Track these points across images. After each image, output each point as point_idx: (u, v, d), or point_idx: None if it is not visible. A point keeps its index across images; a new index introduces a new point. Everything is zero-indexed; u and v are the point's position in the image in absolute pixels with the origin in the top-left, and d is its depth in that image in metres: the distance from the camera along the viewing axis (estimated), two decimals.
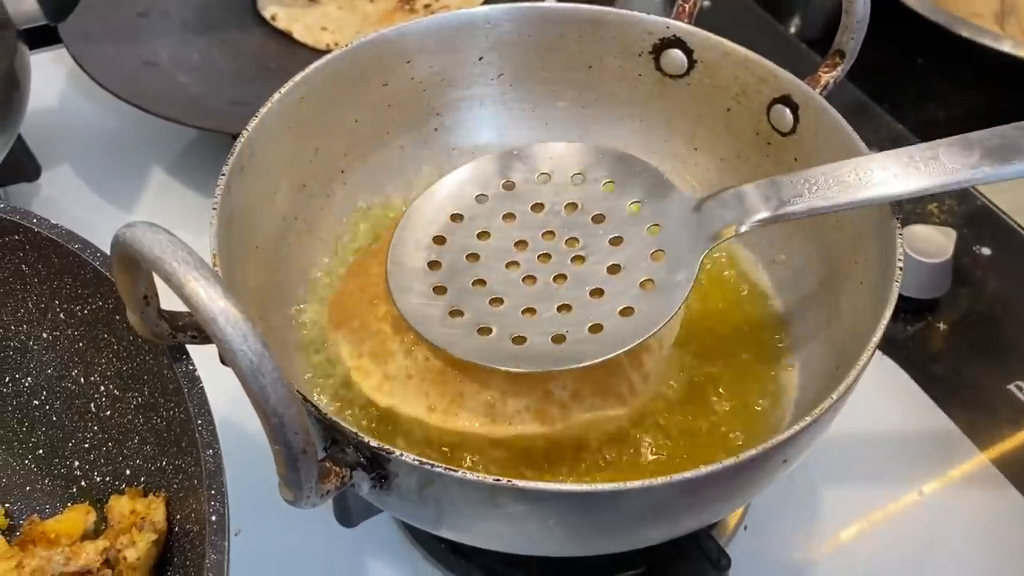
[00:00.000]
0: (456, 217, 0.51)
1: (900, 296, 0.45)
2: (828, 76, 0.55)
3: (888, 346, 0.67)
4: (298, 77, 0.54)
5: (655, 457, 0.49)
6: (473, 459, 0.47)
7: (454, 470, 0.39)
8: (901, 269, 0.46)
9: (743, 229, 0.47)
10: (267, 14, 0.88)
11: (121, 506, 0.48)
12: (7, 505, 0.53)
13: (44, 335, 0.52)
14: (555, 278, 0.49)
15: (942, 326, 0.70)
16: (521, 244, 0.50)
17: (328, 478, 0.38)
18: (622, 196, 0.51)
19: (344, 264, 0.57)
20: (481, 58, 0.60)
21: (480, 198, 0.52)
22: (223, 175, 0.48)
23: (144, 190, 0.79)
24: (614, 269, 0.48)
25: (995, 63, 0.86)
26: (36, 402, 0.54)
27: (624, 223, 0.50)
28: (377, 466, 0.40)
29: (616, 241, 0.49)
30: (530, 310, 0.48)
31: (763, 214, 0.47)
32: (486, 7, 0.59)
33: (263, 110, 0.52)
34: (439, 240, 0.50)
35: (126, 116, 0.82)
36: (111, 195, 0.78)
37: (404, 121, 0.60)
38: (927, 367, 0.67)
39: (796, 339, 0.54)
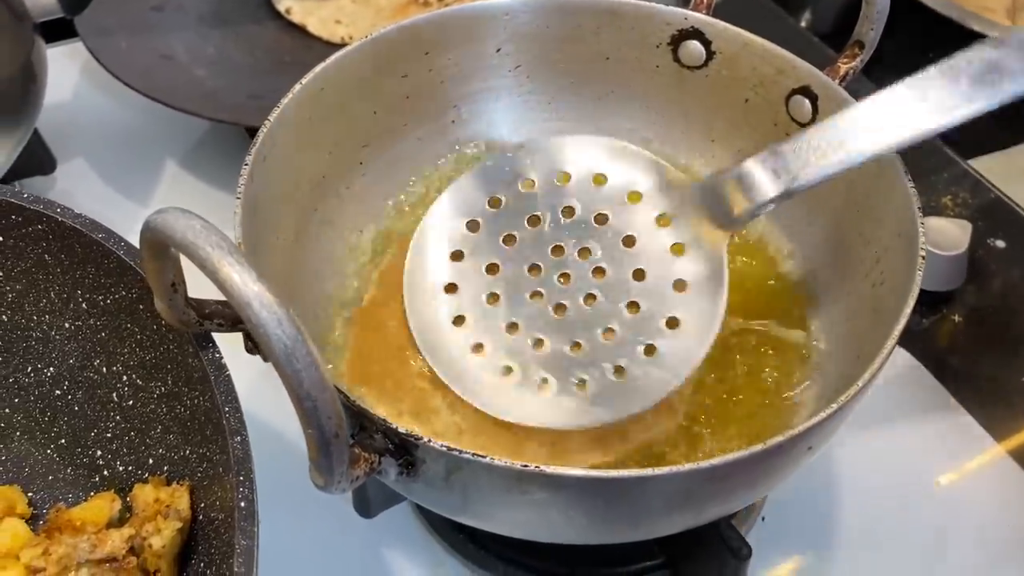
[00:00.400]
0: (457, 255, 0.52)
1: None
2: (847, 67, 0.55)
3: (904, 338, 0.67)
4: (318, 68, 0.54)
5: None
6: None
7: (482, 456, 0.39)
8: (924, 259, 0.46)
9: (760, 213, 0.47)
10: (281, 8, 0.88)
11: (145, 494, 0.49)
12: (30, 494, 0.54)
13: (67, 325, 0.52)
14: (585, 299, 0.49)
15: (957, 318, 0.70)
16: (535, 269, 0.51)
17: (357, 464, 0.38)
18: (625, 192, 0.51)
19: (361, 268, 0.57)
20: (499, 50, 0.60)
21: (477, 223, 0.52)
22: (246, 164, 0.48)
23: (159, 183, 0.79)
24: (639, 274, 0.49)
25: None
26: (58, 392, 0.54)
27: (637, 230, 0.50)
28: (405, 452, 0.40)
29: (639, 275, 0.50)
30: (576, 344, 0.48)
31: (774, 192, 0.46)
32: None
33: (284, 100, 0.52)
34: (451, 288, 0.51)
35: (140, 110, 0.82)
36: (126, 188, 0.79)
37: (422, 113, 0.60)
38: (943, 359, 0.67)
39: (816, 331, 0.54)
